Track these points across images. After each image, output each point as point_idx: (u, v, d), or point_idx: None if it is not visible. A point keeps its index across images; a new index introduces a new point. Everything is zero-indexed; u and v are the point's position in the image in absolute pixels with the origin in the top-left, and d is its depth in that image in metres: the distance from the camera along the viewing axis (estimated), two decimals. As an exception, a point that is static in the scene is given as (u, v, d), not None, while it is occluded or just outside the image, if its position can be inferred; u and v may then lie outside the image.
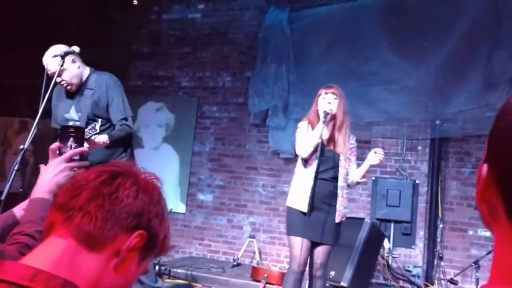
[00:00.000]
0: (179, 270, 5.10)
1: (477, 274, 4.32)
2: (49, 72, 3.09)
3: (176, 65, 6.88)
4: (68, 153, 1.47)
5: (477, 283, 4.34)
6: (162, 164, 6.33)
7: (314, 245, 3.23)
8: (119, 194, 0.88)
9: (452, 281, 4.77)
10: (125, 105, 3.25)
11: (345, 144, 3.30)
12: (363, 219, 4.87)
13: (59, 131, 1.62)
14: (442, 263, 5.05)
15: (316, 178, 3.21)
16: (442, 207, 5.30)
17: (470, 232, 5.27)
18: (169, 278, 5.06)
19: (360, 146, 5.74)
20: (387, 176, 5.47)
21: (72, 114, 3.19)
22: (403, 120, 5.41)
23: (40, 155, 7.47)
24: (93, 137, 2.85)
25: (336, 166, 3.29)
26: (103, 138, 2.96)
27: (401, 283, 5.21)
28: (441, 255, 5.13)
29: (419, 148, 5.44)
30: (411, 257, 5.25)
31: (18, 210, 1.51)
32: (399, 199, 5.26)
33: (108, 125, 3.20)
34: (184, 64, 6.85)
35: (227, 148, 6.43)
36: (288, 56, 6.05)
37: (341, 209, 3.29)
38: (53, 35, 6.24)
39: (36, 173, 1.48)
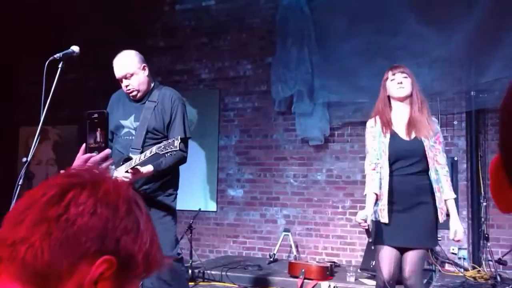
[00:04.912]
0: (213, 272, 5.25)
1: (527, 253, 4.38)
2: (117, 75, 3.25)
3: (194, 57, 7.08)
4: (92, 161, 1.63)
5: (526, 261, 4.41)
6: (188, 162, 6.55)
7: (402, 251, 3.07)
8: (70, 214, 0.74)
9: (500, 262, 4.85)
10: (186, 125, 3.32)
11: (430, 127, 3.06)
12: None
13: (86, 119, 1.78)
14: (488, 243, 5.10)
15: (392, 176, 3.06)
16: (484, 184, 5.33)
17: (518, 208, 5.28)
18: (203, 281, 5.20)
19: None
20: (424, 155, 5.52)
21: (129, 122, 3.29)
22: (436, 95, 5.42)
23: (63, 163, 7.80)
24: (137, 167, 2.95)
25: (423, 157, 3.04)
26: (148, 169, 3.05)
27: (447, 266, 5.31)
28: (487, 235, 5.18)
29: (455, 123, 5.50)
30: (455, 239, 5.31)
31: None
32: (437, 178, 5.31)
33: (161, 140, 3.14)
34: (202, 55, 7.04)
35: (253, 139, 6.62)
36: (309, 36, 6.15)
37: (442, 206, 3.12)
38: (65, 40, 6.51)
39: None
